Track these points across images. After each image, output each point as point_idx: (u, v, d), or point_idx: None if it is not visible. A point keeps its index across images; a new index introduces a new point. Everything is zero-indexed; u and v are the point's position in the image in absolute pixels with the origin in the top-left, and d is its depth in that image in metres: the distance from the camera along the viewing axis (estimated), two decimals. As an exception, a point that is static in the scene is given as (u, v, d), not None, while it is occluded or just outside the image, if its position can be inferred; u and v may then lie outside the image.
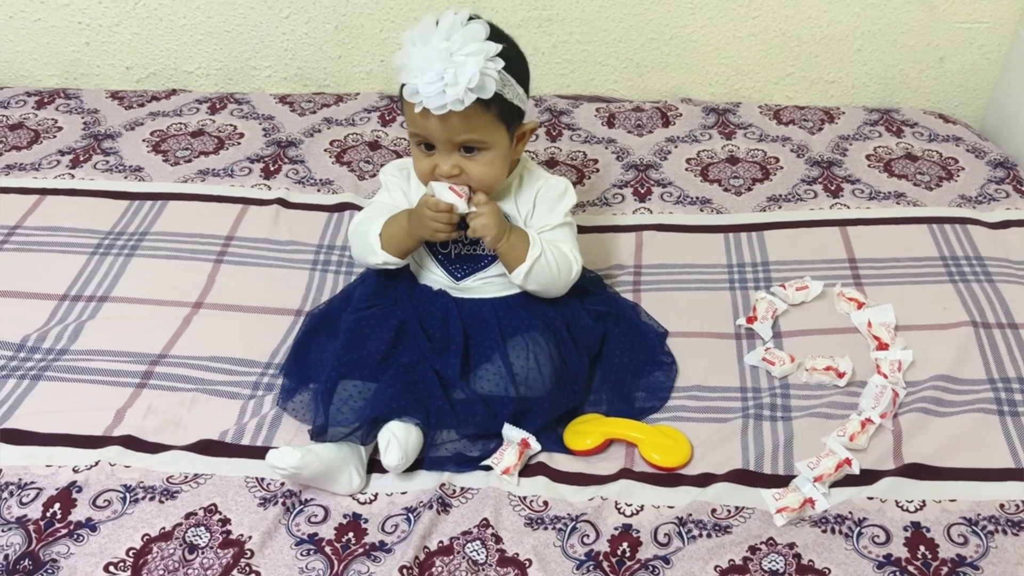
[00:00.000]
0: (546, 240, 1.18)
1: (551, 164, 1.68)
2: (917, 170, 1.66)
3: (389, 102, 1.84)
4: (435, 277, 1.23)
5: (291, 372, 1.21)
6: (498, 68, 1.06)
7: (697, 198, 1.59)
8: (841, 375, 1.21)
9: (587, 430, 1.15)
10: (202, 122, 1.77)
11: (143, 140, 1.71)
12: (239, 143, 1.71)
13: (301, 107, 1.83)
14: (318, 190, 1.60)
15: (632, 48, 1.87)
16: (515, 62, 1.12)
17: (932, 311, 1.33)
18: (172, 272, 1.40)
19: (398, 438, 1.05)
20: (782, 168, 1.67)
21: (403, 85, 1.08)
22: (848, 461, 1.08)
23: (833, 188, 1.61)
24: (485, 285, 1.22)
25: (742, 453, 1.13)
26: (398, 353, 1.15)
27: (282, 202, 1.55)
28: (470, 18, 1.07)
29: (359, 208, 1.54)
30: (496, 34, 1.09)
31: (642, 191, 1.61)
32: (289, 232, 1.49)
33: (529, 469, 1.11)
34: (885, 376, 1.21)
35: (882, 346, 1.26)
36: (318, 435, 1.09)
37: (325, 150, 1.70)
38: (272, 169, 1.64)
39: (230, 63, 1.89)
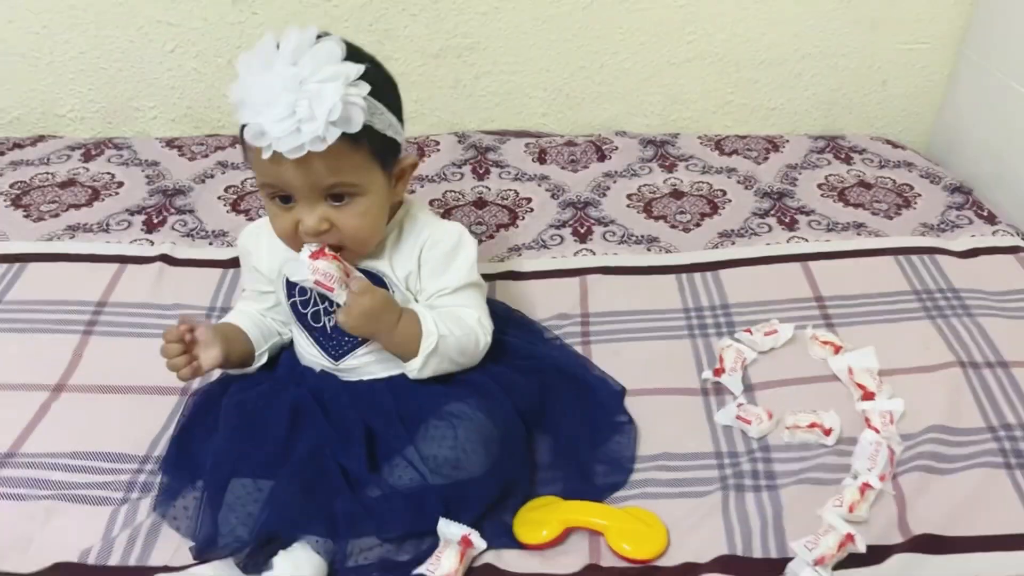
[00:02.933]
0: (445, 315, 0.98)
1: (480, 205, 1.50)
2: (873, 198, 1.54)
3: (293, 143, 1.64)
4: (312, 357, 1.02)
5: (173, 467, 0.98)
6: (363, 94, 0.85)
7: (643, 236, 1.43)
8: (828, 432, 1.05)
9: (541, 518, 0.95)
10: (73, 171, 1.53)
11: (0, 194, 1.46)
12: (117, 193, 1.48)
13: (191, 151, 1.61)
14: (210, 243, 1.38)
15: (561, 78, 1.72)
16: (382, 85, 0.92)
17: (914, 351, 1.19)
18: (29, 348, 1.16)
19: None
20: (731, 201, 1.53)
21: (243, 126, 0.86)
22: (851, 537, 0.91)
23: (787, 220, 1.47)
24: (372, 364, 1.00)
25: (726, 535, 0.95)
26: (296, 440, 0.94)
27: (166, 259, 1.33)
28: (319, 36, 0.86)
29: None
30: (353, 53, 0.89)
31: (582, 231, 1.44)
32: (174, 294, 1.27)
33: (473, 572, 0.90)
34: (877, 430, 1.05)
35: (867, 395, 1.11)
36: (202, 551, 0.87)
37: (219, 197, 1.49)
38: (156, 221, 1.42)
39: (109, 104, 1.67)
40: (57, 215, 1.42)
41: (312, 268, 0.90)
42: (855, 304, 1.29)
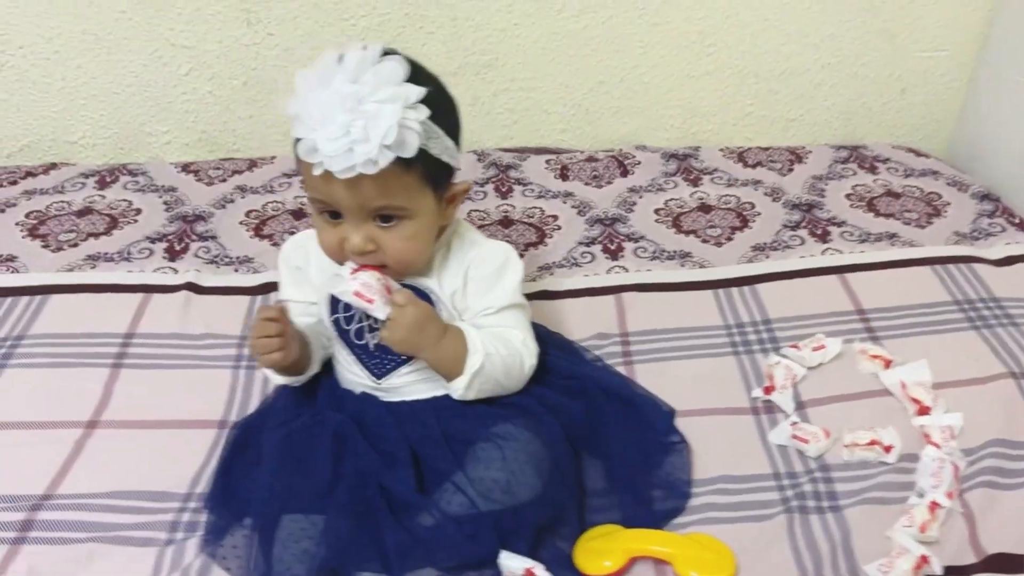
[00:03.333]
0: (490, 335, 0.95)
1: (506, 224, 1.47)
2: (903, 207, 1.52)
3: (311, 165, 1.61)
4: (354, 377, 0.99)
5: (218, 503, 0.95)
6: (421, 118, 0.82)
7: (675, 252, 1.41)
8: (888, 449, 1.03)
9: (603, 548, 0.92)
10: (90, 199, 1.49)
11: (16, 224, 1.42)
12: (136, 221, 1.45)
13: (208, 175, 1.58)
14: (235, 270, 1.34)
15: (580, 93, 1.70)
16: (443, 109, 0.89)
17: (963, 363, 1.17)
18: (57, 383, 1.12)
19: None
20: (760, 214, 1.51)
21: (298, 140, 0.84)
22: (926, 559, 0.89)
23: (819, 232, 1.46)
24: (416, 383, 0.97)
25: (795, 560, 0.92)
26: (341, 469, 0.91)
27: (192, 287, 1.29)
28: (384, 53, 0.84)
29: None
30: (417, 73, 0.86)
31: (612, 247, 1.42)
32: (204, 323, 1.23)
33: (539, 607, 0.87)
34: (938, 446, 1.03)
35: (923, 410, 1.08)
36: (260, 593, 0.83)
37: (241, 223, 1.45)
38: (178, 248, 1.38)
39: (121, 130, 1.63)
40: (76, 244, 1.38)
41: (353, 279, 0.89)
42: (897, 316, 1.27)
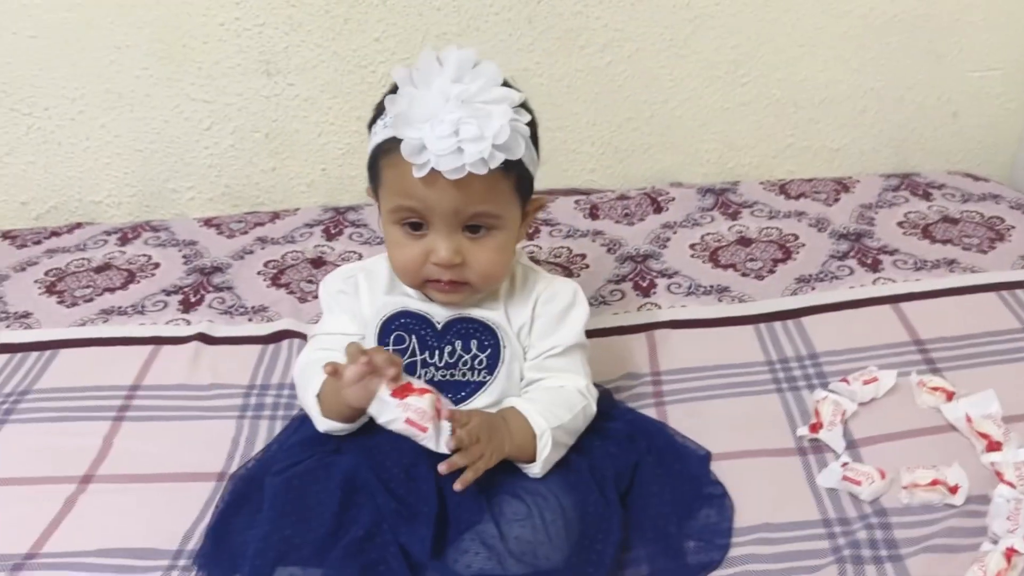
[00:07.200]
0: (548, 400, 0.88)
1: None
2: (962, 233, 1.41)
3: (334, 214, 1.58)
4: None
5: (210, 560, 0.88)
6: (525, 121, 0.81)
7: (712, 287, 1.32)
8: (954, 490, 0.91)
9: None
10: (109, 255, 1.47)
11: (35, 281, 1.41)
12: (153, 274, 1.42)
13: (230, 228, 1.55)
14: (249, 319, 1.30)
15: (608, 131, 1.63)
16: (533, 118, 0.87)
17: (1036, 394, 1.05)
18: (55, 439, 1.07)
19: None
20: (804, 245, 1.41)
21: (380, 145, 0.84)
22: (1004, 615, 0.76)
23: (870, 261, 1.35)
24: None
25: (850, 617, 0.80)
26: (349, 519, 0.82)
27: (203, 338, 1.24)
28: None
29: (299, 336, 1.24)
30: (506, 81, 0.84)
31: (644, 284, 1.33)
32: (212, 373, 1.18)
33: (553, 674, 0.77)
34: (1012, 485, 0.90)
35: (993, 445, 0.96)
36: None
37: (259, 273, 1.41)
38: (193, 300, 1.34)
39: (145, 187, 1.62)
40: (91, 300, 1.35)
41: (403, 406, 0.79)
42: (960, 346, 1.15)
